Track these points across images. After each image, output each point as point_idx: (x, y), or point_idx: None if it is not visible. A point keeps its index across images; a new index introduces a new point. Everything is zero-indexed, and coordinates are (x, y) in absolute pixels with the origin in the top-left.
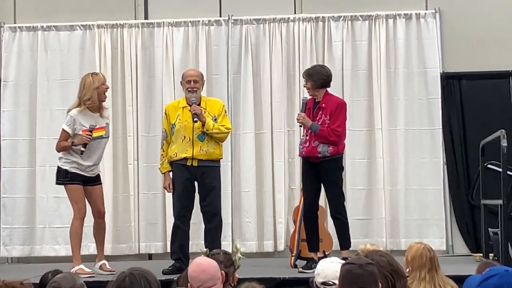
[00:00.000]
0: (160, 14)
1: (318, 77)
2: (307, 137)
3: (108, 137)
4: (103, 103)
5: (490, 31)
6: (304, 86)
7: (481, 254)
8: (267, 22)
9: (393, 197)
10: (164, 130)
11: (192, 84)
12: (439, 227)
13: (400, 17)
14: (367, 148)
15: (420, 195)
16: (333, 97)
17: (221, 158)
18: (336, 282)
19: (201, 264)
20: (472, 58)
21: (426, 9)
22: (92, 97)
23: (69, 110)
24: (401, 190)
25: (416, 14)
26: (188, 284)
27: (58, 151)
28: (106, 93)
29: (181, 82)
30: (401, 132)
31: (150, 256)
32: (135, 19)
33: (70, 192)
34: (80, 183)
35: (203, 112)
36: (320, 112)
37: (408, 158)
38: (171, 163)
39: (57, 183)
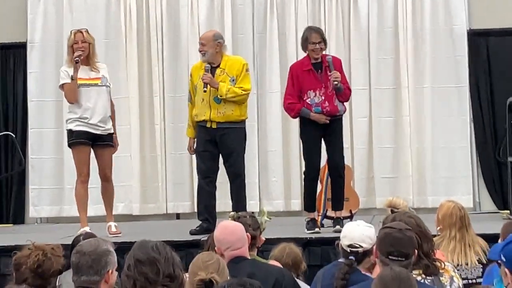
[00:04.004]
0: None
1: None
2: (323, 97)
3: (106, 86)
4: (93, 58)
5: None
6: (320, 47)
7: (508, 211)
8: None
9: (420, 155)
10: (188, 92)
11: (200, 47)
12: (466, 185)
13: None
14: (394, 106)
15: (447, 153)
16: (332, 56)
17: (244, 119)
18: (363, 245)
19: (228, 227)
20: (499, 14)
21: None
22: (69, 55)
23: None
24: (428, 148)
25: None
26: (215, 248)
27: (70, 99)
28: (80, 50)
29: None
30: (427, 90)
31: (178, 216)
32: None
33: (73, 153)
34: (87, 142)
35: (219, 74)
36: (328, 72)
37: (435, 116)
38: (197, 123)
39: (68, 146)
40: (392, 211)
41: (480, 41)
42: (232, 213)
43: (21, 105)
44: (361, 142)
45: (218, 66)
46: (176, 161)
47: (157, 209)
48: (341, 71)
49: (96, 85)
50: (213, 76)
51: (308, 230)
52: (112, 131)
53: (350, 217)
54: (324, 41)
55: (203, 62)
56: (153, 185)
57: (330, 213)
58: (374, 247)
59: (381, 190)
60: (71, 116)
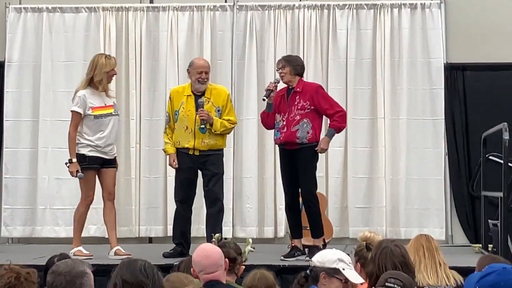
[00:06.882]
0: None
1: (297, 64)
2: (284, 122)
3: (118, 115)
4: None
5: (495, 23)
6: (280, 72)
7: (480, 245)
8: (272, 8)
9: (394, 186)
10: (167, 114)
11: (203, 76)
12: (439, 217)
13: (405, 6)
14: (369, 136)
15: (421, 185)
16: (308, 83)
17: (224, 147)
18: (314, 259)
19: (205, 250)
20: (476, 49)
21: None
22: (102, 80)
23: (77, 90)
24: (402, 179)
25: (421, 4)
26: (191, 269)
27: (69, 139)
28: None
29: (188, 69)
30: (403, 121)
31: (150, 240)
32: (140, 2)
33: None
34: (97, 167)
35: (206, 103)
36: (297, 97)
37: (410, 147)
38: (176, 148)
39: None
40: (367, 247)
41: (457, 75)
42: (217, 234)
43: None
44: (336, 172)
45: (203, 94)
46: (150, 184)
47: (129, 233)
48: (281, 100)
49: (111, 114)
50: (198, 104)
51: (283, 256)
52: (116, 154)
53: (324, 246)
54: (286, 65)
55: (199, 101)
56: (126, 208)
57: (305, 241)
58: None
59: (354, 220)
60: (84, 141)
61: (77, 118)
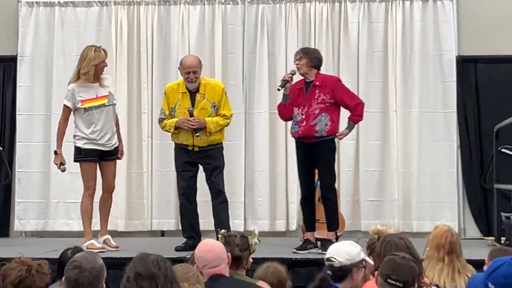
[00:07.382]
0: None
1: (314, 56)
2: (303, 116)
3: (113, 104)
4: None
5: (507, 15)
6: (297, 64)
7: (493, 238)
8: (283, 2)
9: (406, 179)
10: (163, 111)
11: (191, 75)
12: (452, 210)
13: None
14: (381, 130)
15: (433, 177)
16: (326, 76)
17: (223, 141)
18: (338, 258)
19: (207, 244)
20: (488, 42)
21: None
22: (89, 72)
23: (69, 83)
24: (414, 172)
25: None
26: (195, 265)
27: (57, 131)
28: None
29: (179, 68)
30: (415, 114)
31: (162, 233)
32: None
33: (82, 169)
34: (95, 159)
35: (199, 100)
36: (317, 91)
37: (422, 140)
38: (175, 143)
39: (74, 161)
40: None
41: (469, 68)
42: (223, 231)
43: (10, 118)
44: (347, 165)
45: (198, 91)
46: (162, 178)
47: (141, 226)
48: (300, 93)
49: (103, 105)
50: (194, 101)
51: (295, 248)
52: (117, 144)
53: (336, 239)
54: (303, 56)
55: (189, 109)
56: (139, 201)
57: (317, 234)
58: (376, 273)
59: (366, 213)
60: (79, 133)
61: (66, 112)
